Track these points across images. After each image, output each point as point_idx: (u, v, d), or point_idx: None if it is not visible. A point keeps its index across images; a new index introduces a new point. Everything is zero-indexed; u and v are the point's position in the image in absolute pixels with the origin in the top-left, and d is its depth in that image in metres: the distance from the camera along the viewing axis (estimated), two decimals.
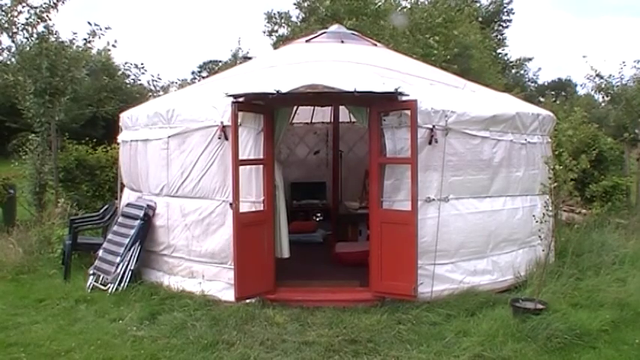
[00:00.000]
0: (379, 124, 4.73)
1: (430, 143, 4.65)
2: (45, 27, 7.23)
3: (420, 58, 8.50)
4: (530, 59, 26.24)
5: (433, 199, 4.72)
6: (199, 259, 5.00)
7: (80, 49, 7.69)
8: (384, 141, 4.72)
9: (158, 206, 5.27)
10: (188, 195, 5.05)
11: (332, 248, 6.29)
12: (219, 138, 4.76)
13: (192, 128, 4.95)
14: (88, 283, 5.10)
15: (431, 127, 4.64)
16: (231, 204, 4.63)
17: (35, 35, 7.21)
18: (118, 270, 4.99)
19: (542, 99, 15.27)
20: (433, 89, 5.23)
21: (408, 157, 4.57)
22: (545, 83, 27.73)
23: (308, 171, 8.77)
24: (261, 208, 4.83)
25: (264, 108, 4.83)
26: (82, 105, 11.40)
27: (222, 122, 4.75)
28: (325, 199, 8.50)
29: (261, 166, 4.86)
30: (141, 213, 5.21)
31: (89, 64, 9.38)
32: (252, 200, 4.81)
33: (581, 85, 23.97)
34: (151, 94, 13.23)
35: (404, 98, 4.57)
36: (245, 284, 4.60)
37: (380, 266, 4.70)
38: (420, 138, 4.59)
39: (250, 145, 4.79)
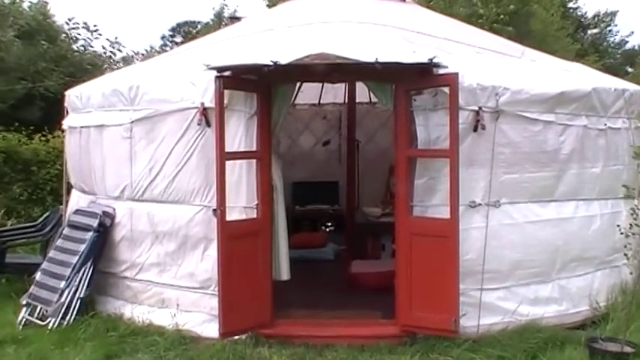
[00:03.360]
0: (408, 106, 4.83)
1: (475, 130, 4.74)
2: None
3: (462, 19, 8.61)
4: (614, 14, 25.46)
5: (479, 204, 4.82)
6: (173, 283, 5.14)
7: (6, 1, 7.45)
8: (414, 128, 4.82)
9: (118, 213, 5.41)
10: (158, 199, 5.19)
11: (346, 268, 6.41)
12: (199, 124, 4.88)
13: (164, 111, 5.09)
14: (20, 317, 5.13)
15: (476, 109, 4.74)
16: (215, 210, 4.74)
17: None
18: (63, 299, 5.04)
19: (630, 69, 15.11)
20: (480, 59, 5.33)
21: (446, 148, 4.66)
22: (636, 47, 27.00)
23: (315, 167, 8.89)
24: (255, 216, 4.95)
25: (258, 85, 4.94)
26: (11, 79, 10.83)
27: (202, 103, 4.87)
28: (337, 204, 8.61)
29: (254, 160, 4.97)
30: (94, 223, 5.32)
31: (19, 22, 9.07)
32: (242, 205, 4.92)
33: None
34: (107, 65, 13.31)
35: (441, 71, 4.66)
36: (233, 316, 4.72)
37: (409, 292, 4.80)
38: (462, 124, 4.68)
39: (240, 133, 4.91)
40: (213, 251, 4.83)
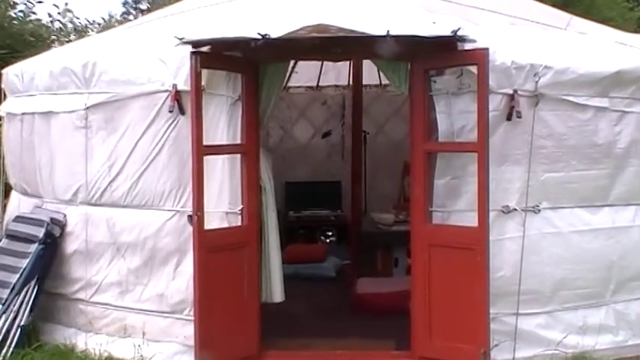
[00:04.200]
0: (427, 90, 4.89)
1: (510, 119, 4.80)
2: None
3: None
4: None
5: (514, 209, 4.88)
6: (138, 307, 5.20)
7: None
8: (434, 116, 4.87)
9: (70, 221, 5.45)
10: (120, 203, 5.25)
11: (351, 287, 6.49)
12: (171, 111, 4.93)
13: (127, 95, 5.13)
14: None
15: (511, 92, 4.79)
16: (190, 216, 4.79)
17: None
18: None
19: None
20: (515, 31, 5.38)
21: (473, 141, 4.71)
22: None
23: (313, 164, 9.01)
24: (239, 224, 5.01)
25: (244, 63, 5.00)
26: None
27: (174, 86, 4.91)
28: (340, 209, 8.73)
29: (238, 155, 5.03)
30: (40, 232, 5.34)
31: None
32: (224, 210, 4.98)
33: None
34: (55, 38, 13.13)
35: (467, 46, 4.67)
36: (212, 347, 4.75)
37: (428, 317, 4.86)
38: (493, 111, 4.73)
39: (222, 122, 4.97)
40: (188, 267, 4.89)
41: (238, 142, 5.01)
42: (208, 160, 4.83)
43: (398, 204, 7.90)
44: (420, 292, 4.90)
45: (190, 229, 4.80)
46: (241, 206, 5.01)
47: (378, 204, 8.09)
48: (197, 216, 4.70)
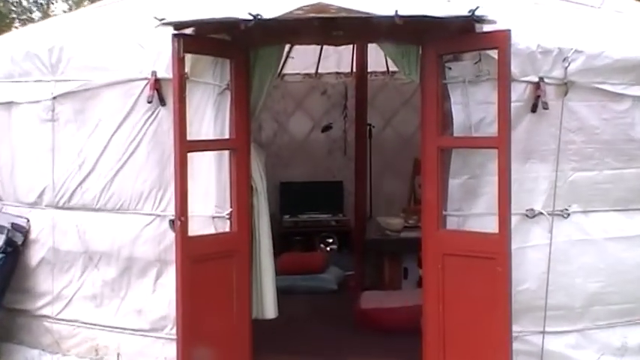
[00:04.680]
0: (441, 77, 4.90)
1: (535, 110, 4.81)
2: None
3: None
4: None
5: (540, 213, 4.91)
6: (113, 325, 5.23)
7: None
8: (449, 107, 4.90)
9: (35, 227, 5.48)
10: (92, 206, 5.28)
11: (354, 301, 6.53)
12: (150, 102, 4.95)
13: (100, 83, 5.15)
14: None
15: (536, 80, 4.80)
16: (172, 221, 4.81)
17: None
18: None
19: None
20: (541, 11, 5.40)
21: (493, 135, 4.72)
22: None
23: (311, 162, 9.08)
24: (228, 229, 5.04)
25: (233, 48, 5.03)
26: None
27: (154, 73, 4.94)
28: (342, 213, 8.80)
29: (226, 152, 5.07)
30: None
31: None
32: (211, 215, 5.03)
33: None
34: (16, 17, 13.01)
35: (487, 28, 4.67)
36: None
37: (442, 336, 4.87)
38: (515, 101, 4.74)
39: (208, 114, 5.01)
40: (169, 279, 4.91)
41: (227, 136, 5.04)
42: (193, 157, 4.84)
43: (407, 207, 7.94)
44: (433, 307, 4.92)
45: (172, 235, 4.81)
46: (230, 210, 5.04)
47: (384, 207, 8.15)
48: (180, 221, 4.70)
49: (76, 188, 5.29)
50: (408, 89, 7.94)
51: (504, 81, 4.60)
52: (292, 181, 8.77)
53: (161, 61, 4.91)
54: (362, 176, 7.52)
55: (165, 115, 4.94)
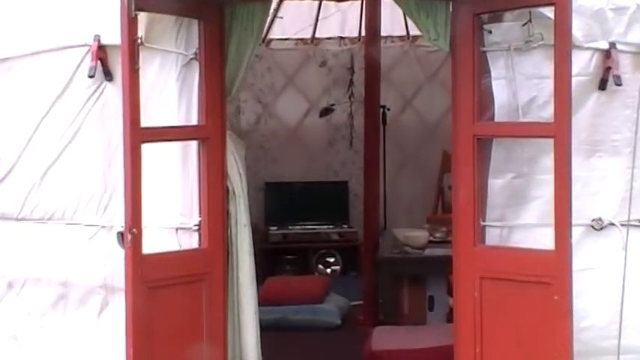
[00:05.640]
0: (478, 44, 4.89)
1: (604, 87, 4.81)
2: None
3: None
4: None
5: (610, 224, 4.89)
6: None
7: None
8: (488, 83, 4.90)
9: None
10: (13, 215, 5.27)
11: (364, 341, 6.50)
12: (92, 76, 4.95)
13: (23, 52, 5.15)
14: None
15: (606, 46, 4.81)
16: (121, 234, 4.79)
17: None
18: None
19: None
20: None
21: (547, 120, 4.72)
22: None
23: (307, 156, 9.21)
24: (195, 245, 5.08)
25: (202, 4, 5.03)
26: None
27: (97, 38, 4.95)
28: (347, 224, 8.88)
29: (194, 143, 5.08)
30: None
31: None
32: (173, 226, 5.06)
33: None
34: None
35: None
36: None
37: None
38: (578, 75, 4.73)
39: (169, 93, 5.02)
40: (117, 310, 4.89)
41: (194, 122, 5.05)
42: (149, 150, 4.80)
43: (434, 216, 7.95)
44: (467, 348, 4.90)
45: (121, 253, 4.76)
46: (199, 219, 5.06)
47: (403, 216, 8.21)
48: (132, 234, 4.65)
49: None
50: (435, 60, 7.94)
51: (563, 48, 4.53)
52: (281, 181, 8.83)
53: (106, 22, 4.87)
54: (373, 175, 7.51)
55: (112, 94, 4.93)
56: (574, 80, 4.60)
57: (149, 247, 4.79)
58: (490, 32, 4.89)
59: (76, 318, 5.15)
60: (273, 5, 7.15)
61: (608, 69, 4.77)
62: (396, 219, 8.15)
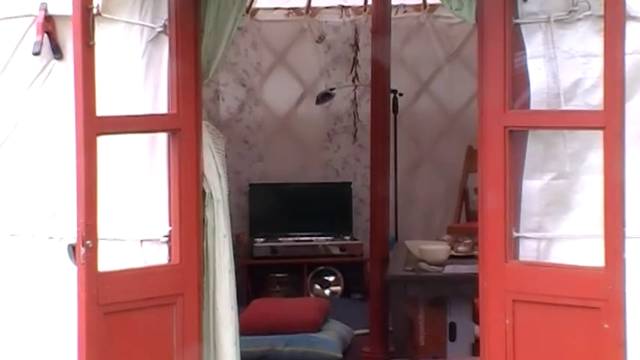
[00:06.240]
0: (510, 16, 4.86)
1: None
2: None
3: None
4: None
5: None
6: None
7: None
8: (523, 63, 4.89)
9: None
10: None
11: None
12: (37, 53, 4.93)
13: None
14: None
15: None
16: (73, 248, 4.76)
17: None
18: None
19: None
20: None
21: (595, 108, 4.72)
22: None
23: (301, 152, 9.26)
24: (164, 260, 5.08)
25: None
26: None
27: (44, 7, 4.92)
28: (349, 234, 8.91)
29: (162, 136, 5.09)
30: None
31: None
32: (136, 237, 5.06)
33: None
34: None
35: None
36: None
37: None
38: (632, 53, 4.67)
39: (132, 75, 5.02)
40: (67, 340, 4.84)
41: (163, 111, 5.05)
42: (107, 144, 4.81)
43: (456, 225, 7.95)
44: None
45: (73, 270, 4.75)
46: (169, 229, 5.06)
47: (419, 225, 8.23)
48: (86, 247, 4.64)
49: None
50: (457, 34, 7.93)
51: (615, 19, 4.54)
52: (270, 182, 8.86)
53: None
54: (382, 175, 7.48)
55: (62, 75, 4.91)
56: (628, 59, 4.59)
57: (107, 263, 4.78)
58: (525, 0, 4.85)
59: (15, 348, 5.14)
60: None
61: None
62: (409, 229, 8.16)
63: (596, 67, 4.67)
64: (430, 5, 8.33)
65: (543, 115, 4.90)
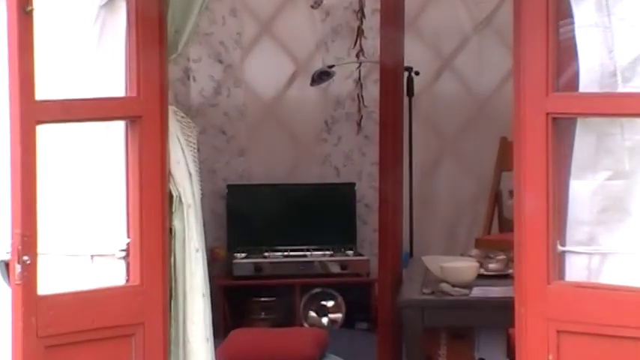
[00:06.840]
0: None
1: None
2: None
3: None
4: None
5: None
6: None
7: None
8: (570, 34, 4.82)
9: None
10: None
11: None
12: None
13: None
14: None
15: None
16: (7, 265, 4.75)
17: None
18: None
19: None
20: None
21: None
22: None
23: (292, 146, 9.33)
24: (122, 281, 5.02)
25: None
26: None
27: None
28: (353, 247, 8.97)
29: (120, 125, 5.03)
30: None
31: None
32: (85, 252, 5.01)
33: None
34: None
35: None
36: None
37: None
38: None
39: (81, 48, 4.98)
40: None
41: (120, 94, 4.98)
42: (49, 134, 4.78)
43: (486, 237, 7.96)
44: None
45: (7, 293, 4.73)
46: (127, 241, 4.99)
47: (439, 236, 8.19)
48: (22, 264, 4.58)
49: None
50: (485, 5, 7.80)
51: None
52: (253, 183, 8.86)
53: None
54: (393, 174, 7.45)
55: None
56: None
57: (49, 284, 4.75)
58: None
59: None
60: None
61: None
62: (428, 241, 8.16)
63: None
64: None
65: (596, 98, 4.82)
